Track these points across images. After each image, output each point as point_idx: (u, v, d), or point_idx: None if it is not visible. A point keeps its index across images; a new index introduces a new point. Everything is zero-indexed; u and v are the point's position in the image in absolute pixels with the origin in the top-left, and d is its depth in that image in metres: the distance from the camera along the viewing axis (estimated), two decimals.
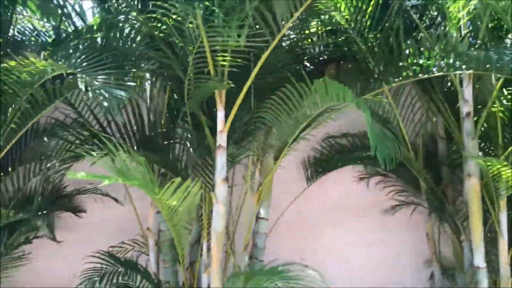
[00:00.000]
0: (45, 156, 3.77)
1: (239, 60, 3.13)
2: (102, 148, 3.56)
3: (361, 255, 4.65)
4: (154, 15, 3.11)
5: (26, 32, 3.99)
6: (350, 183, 4.72)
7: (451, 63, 3.03)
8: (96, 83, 2.89)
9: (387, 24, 3.48)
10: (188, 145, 3.61)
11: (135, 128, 3.77)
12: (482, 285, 3.76)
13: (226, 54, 3.13)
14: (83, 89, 2.79)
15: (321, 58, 3.77)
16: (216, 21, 2.91)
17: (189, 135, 3.52)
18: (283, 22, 2.95)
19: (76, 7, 4.04)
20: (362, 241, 4.68)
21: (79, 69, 2.99)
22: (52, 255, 4.16)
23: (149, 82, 3.72)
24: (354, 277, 4.57)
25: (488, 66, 2.96)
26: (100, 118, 3.83)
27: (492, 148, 3.95)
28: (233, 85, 3.13)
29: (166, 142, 3.76)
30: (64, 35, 3.94)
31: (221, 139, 3.35)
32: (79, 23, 4.06)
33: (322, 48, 3.63)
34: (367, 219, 4.70)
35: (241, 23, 2.86)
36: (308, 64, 3.74)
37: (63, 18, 3.97)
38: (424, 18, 4.08)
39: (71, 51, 3.19)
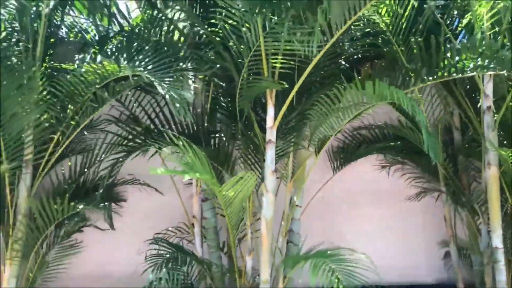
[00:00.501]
0: (99, 149, 3.99)
1: (292, 62, 3.40)
2: (155, 143, 3.82)
3: (381, 237, 5.01)
4: (214, 21, 3.33)
5: (74, 31, 4.16)
6: (370, 171, 5.06)
7: (485, 64, 3.35)
8: (165, 85, 3.13)
9: (420, 26, 3.78)
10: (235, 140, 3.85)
11: (184, 124, 4.00)
12: (500, 264, 4.14)
13: (279, 57, 3.39)
14: (162, 92, 3.02)
15: (355, 57, 4.06)
16: (275, 27, 3.16)
17: (239, 131, 3.76)
18: (337, 28, 3.22)
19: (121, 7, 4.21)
20: (383, 224, 5.04)
21: (145, 72, 3.22)
22: (98, 243, 4.39)
23: (192, 80, 3.93)
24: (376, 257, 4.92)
25: None
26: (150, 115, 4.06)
27: (507, 139, 4.30)
28: (286, 85, 3.39)
29: (212, 137, 4.00)
30: (111, 34, 4.13)
31: (271, 134, 3.63)
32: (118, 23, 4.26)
33: (358, 48, 3.90)
34: (386, 204, 5.07)
35: (302, 30, 3.12)
36: (343, 63, 4.02)
37: (109, 18, 4.14)
38: (445, 17, 4.38)
39: (134, 52, 3.39)
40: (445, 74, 3.58)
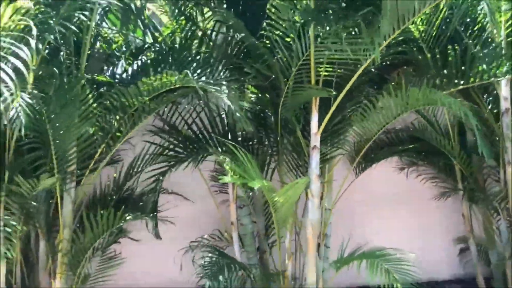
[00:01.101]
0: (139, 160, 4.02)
1: (339, 70, 3.53)
2: (198, 151, 3.89)
3: (401, 235, 5.19)
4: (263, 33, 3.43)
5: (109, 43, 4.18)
6: (389, 173, 5.24)
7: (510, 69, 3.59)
8: (223, 96, 3.21)
9: (448, 34, 3.99)
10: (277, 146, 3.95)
11: (221, 131, 4.07)
12: None
13: (328, 66, 3.52)
14: (227, 102, 3.09)
15: (384, 64, 4.23)
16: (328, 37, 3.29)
17: (280, 138, 3.87)
18: (384, 38, 3.37)
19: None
20: (402, 223, 5.23)
21: (201, 83, 3.29)
22: (135, 254, 4.38)
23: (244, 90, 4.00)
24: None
25: None
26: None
27: None
28: (334, 92, 3.52)
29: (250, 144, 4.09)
30: (145, 45, 4.16)
31: (316, 140, 3.76)
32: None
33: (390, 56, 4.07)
34: (405, 204, 5.26)
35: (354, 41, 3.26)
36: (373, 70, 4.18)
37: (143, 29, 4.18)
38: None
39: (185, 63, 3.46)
40: (477, 79, 3.79)
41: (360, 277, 3.74)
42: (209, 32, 4.13)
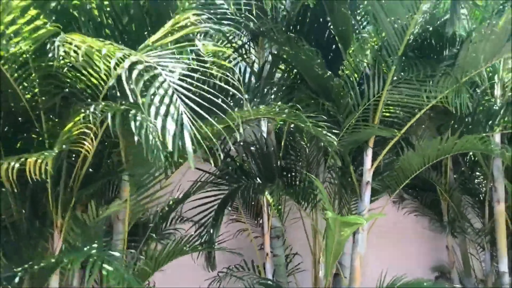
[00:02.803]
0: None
1: (402, 112, 3.79)
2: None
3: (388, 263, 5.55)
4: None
5: None
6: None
7: None
8: (311, 128, 3.28)
9: None
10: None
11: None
12: (506, 286, 4.96)
13: (392, 108, 3.76)
14: (321, 138, 3.17)
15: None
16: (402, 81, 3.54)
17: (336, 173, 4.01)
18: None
19: None
20: (390, 252, 5.59)
21: (284, 115, 3.32)
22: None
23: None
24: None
25: None
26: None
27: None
28: (397, 133, 3.76)
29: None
30: None
31: (369, 176, 3.95)
32: None
33: None
34: (390, 237, 5.63)
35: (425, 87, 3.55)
36: None
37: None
38: None
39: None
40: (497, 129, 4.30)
41: None
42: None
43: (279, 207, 4.21)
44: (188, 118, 2.12)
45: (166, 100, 2.13)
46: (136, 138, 2.25)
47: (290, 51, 3.71)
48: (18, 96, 2.62)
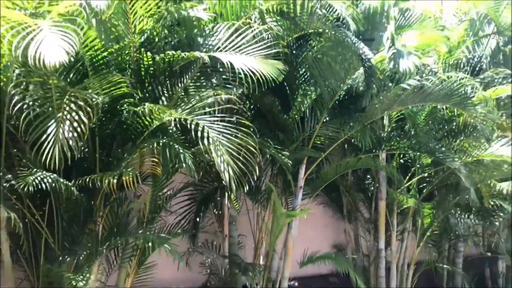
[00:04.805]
0: None
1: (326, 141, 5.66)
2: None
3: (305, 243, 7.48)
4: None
5: None
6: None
7: None
8: (272, 150, 5.00)
9: None
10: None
11: None
12: (383, 257, 7.10)
13: (320, 137, 5.61)
14: (279, 158, 4.90)
15: None
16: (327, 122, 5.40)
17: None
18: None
19: None
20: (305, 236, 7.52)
21: None
22: None
23: None
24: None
25: None
26: None
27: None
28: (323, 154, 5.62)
29: None
30: None
31: (302, 182, 5.79)
32: None
33: None
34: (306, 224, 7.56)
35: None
36: None
37: None
38: None
39: None
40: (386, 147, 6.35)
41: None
42: None
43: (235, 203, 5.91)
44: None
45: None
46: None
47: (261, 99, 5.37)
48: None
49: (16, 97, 3.24)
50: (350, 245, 7.69)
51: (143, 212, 4.80)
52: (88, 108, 3.25)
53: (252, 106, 5.54)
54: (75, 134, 3.18)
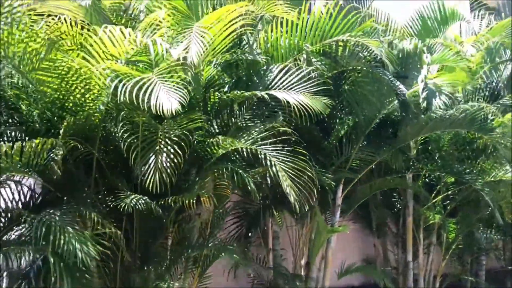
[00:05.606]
0: None
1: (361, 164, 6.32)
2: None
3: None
4: None
5: None
6: None
7: None
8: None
9: None
10: None
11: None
12: (411, 269, 7.68)
13: (358, 161, 6.27)
14: (323, 179, 5.56)
15: None
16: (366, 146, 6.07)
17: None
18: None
19: None
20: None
21: None
22: None
23: None
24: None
25: None
26: None
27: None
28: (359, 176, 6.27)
29: None
30: None
31: (339, 200, 6.43)
32: None
33: None
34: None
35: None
36: None
37: None
38: None
39: None
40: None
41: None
42: None
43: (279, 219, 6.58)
44: None
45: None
46: None
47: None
48: None
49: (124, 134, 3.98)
50: (379, 259, 8.28)
51: (205, 228, 5.48)
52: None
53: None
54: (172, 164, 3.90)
